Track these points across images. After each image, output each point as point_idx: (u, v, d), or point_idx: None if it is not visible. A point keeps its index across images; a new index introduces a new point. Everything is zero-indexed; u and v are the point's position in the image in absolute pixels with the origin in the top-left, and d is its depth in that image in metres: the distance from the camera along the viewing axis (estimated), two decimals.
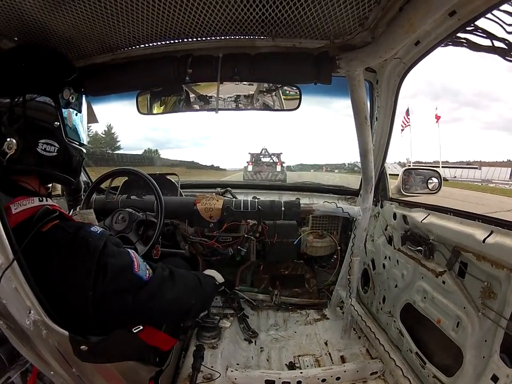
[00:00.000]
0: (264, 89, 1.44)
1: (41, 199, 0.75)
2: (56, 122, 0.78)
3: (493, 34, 0.90)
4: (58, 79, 0.82)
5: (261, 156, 13.93)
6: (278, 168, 13.09)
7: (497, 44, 0.91)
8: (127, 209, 1.49)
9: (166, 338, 0.89)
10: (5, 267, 0.59)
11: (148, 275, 0.77)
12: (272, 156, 13.79)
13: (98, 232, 0.74)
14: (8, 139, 0.69)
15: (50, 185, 0.89)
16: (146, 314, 0.79)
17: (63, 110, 0.81)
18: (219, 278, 1.33)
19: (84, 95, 0.94)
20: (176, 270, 0.88)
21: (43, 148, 0.75)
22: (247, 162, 13.82)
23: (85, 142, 0.92)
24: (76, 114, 0.87)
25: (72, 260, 0.68)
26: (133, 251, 0.80)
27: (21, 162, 0.73)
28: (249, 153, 13.95)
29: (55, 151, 0.78)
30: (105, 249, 0.71)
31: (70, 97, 0.83)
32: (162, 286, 0.80)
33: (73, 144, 0.85)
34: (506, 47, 0.90)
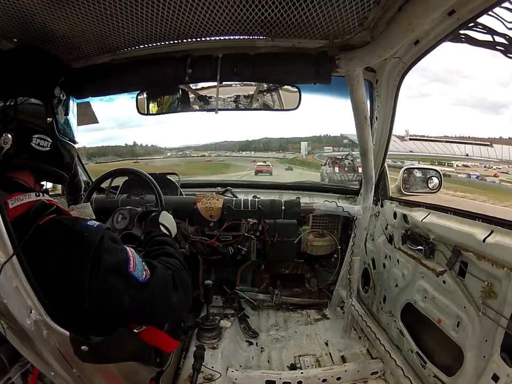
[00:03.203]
0: (264, 89, 1.44)
1: (37, 194, 0.76)
2: (48, 119, 0.81)
3: (493, 29, 0.89)
4: (49, 79, 0.84)
5: (337, 159, 15.59)
6: (360, 170, 14.80)
7: (498, 39, 0.90)
8: (125, 207, 1.49)
9: (167, 339, 0.88)
10: (3, 261, 0.59)
11: (144, 276, 0.74)
12: (352, 159, 15.21)
13: (95, 226, 0.73)
14: (4, 134, 0.72)
15: (44, 183, 0.90)
16: (147, 316, 0.78)
17: (56, 106, 0.84)
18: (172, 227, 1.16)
19: (75, 95, 0.96)
20: (176, 269, 0.84)
21: (37, 143, 0.78)
22: (327, 164, 15.97)
23: (75, 138, 0.94)
24: (67, 112, 0.90)
25: (67, 255, 0.67)
26: (131, 249, 0.78)
27: (17, 157, 0.75)
28: (327, 157, 16.27)
29: (48, 146, 0.80)
30: (101, 244, 0.70)
31: (61, 95, 0.86)
32: (166, 288, 0.78)
33: (65, 140, 0.87)
34: (507, 43, 0.89)
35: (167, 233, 1.09)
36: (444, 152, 41.50)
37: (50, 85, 0.83)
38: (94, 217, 1.30)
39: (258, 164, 24.69)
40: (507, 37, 0.88)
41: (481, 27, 0.91)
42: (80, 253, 0.68)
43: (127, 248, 0.77)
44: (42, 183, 0.88)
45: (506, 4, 0.82)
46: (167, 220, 1.14)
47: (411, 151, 41.65)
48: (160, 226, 1.08)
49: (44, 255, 0.67)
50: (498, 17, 0.84)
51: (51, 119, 0.81)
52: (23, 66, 0.80)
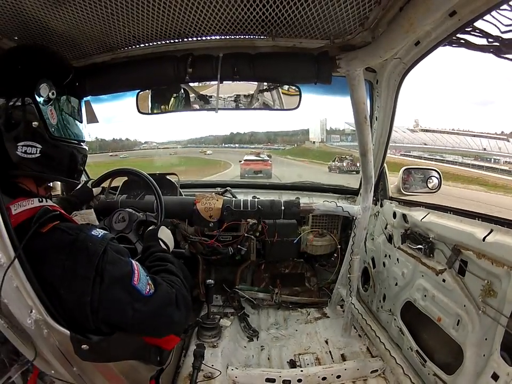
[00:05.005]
0: (264, 89, 1.44)
1: (41, 199, 0.75)
2: (34, 123, 0.74)
3: (489, 33, 0.90)
4: (32, 77, 0.75)
5: (345, 158, 18.21)
6: (359, 164, 17.86)
7: (492, 42, 0.91)
8: (127, 209, 1.49)
9: (168, 337, 0.88)
10: (6, 265, 0.59)
11: (147, 290, 0.74)
12: (352, 158, 17.94)
13: (99, 236, 0.73)
14: None
15: (49, 184, 0.88)
16: (147, 329, 0.78)
17: (43, 107, 0.76)
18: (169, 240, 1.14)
19: (75, 94, 0.89)
20: (179, 288, 0.82)
21: (23, 151, 0.73)
22: (336, 161, 18.69)
23: (81, 138, 0.89)
24: (62, 110, 0.82)
25: (71, 264, 0.67)
26: (137, 263, 0.77)
27: (7, 167, 0.73)
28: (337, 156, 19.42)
29: (37, 152, 0.75)
30: (105, 255, 0.70)
31: (50, 93, 0.77)
32: (169, 306, 0.77)
33: (62, 142, 0.81)
34: (500, 45, 0.89)
35: (166, 248, 1.08)
36: (460, 146, 39.15)
37: (34, 84, 0.74)
38: (97, 224, 1.29)
39: (246, 157, 15.99)
40: (500, 39, 0.89)
41: (478, 31, 0.92)
42: (84, 262, 0.68)
43: (133, 261, 0.77)
44: (49, 184, 0.86)
45: (504, 6, 0.82)
46: (165, 235, 1.12)
47: (425, 144, 39.65)
48: (159, 241, 1.06)
49: (46, 261, 0.67)
50: (494, 21, 0.85)
51: (37, 123, 0.74)
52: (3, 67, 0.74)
